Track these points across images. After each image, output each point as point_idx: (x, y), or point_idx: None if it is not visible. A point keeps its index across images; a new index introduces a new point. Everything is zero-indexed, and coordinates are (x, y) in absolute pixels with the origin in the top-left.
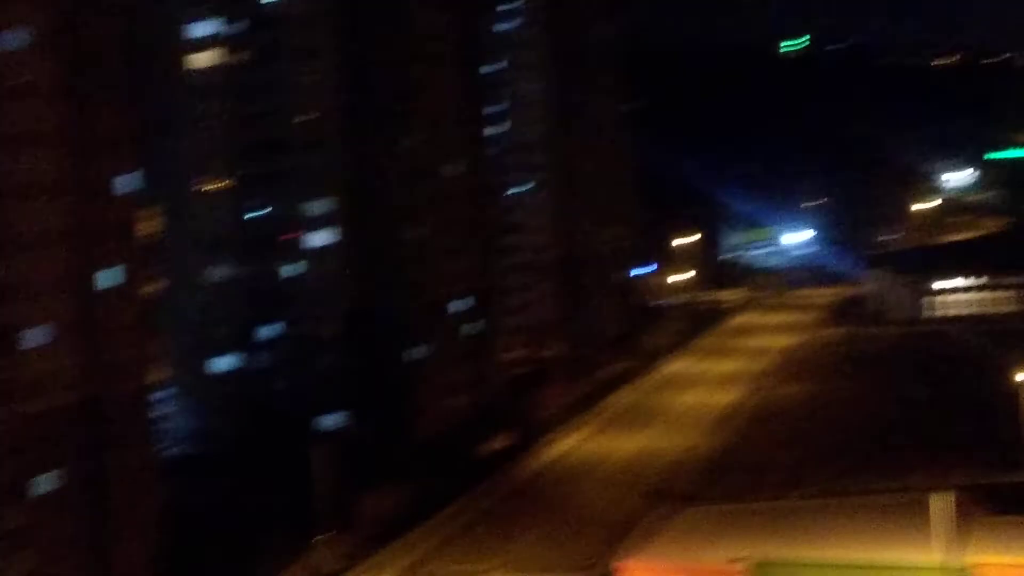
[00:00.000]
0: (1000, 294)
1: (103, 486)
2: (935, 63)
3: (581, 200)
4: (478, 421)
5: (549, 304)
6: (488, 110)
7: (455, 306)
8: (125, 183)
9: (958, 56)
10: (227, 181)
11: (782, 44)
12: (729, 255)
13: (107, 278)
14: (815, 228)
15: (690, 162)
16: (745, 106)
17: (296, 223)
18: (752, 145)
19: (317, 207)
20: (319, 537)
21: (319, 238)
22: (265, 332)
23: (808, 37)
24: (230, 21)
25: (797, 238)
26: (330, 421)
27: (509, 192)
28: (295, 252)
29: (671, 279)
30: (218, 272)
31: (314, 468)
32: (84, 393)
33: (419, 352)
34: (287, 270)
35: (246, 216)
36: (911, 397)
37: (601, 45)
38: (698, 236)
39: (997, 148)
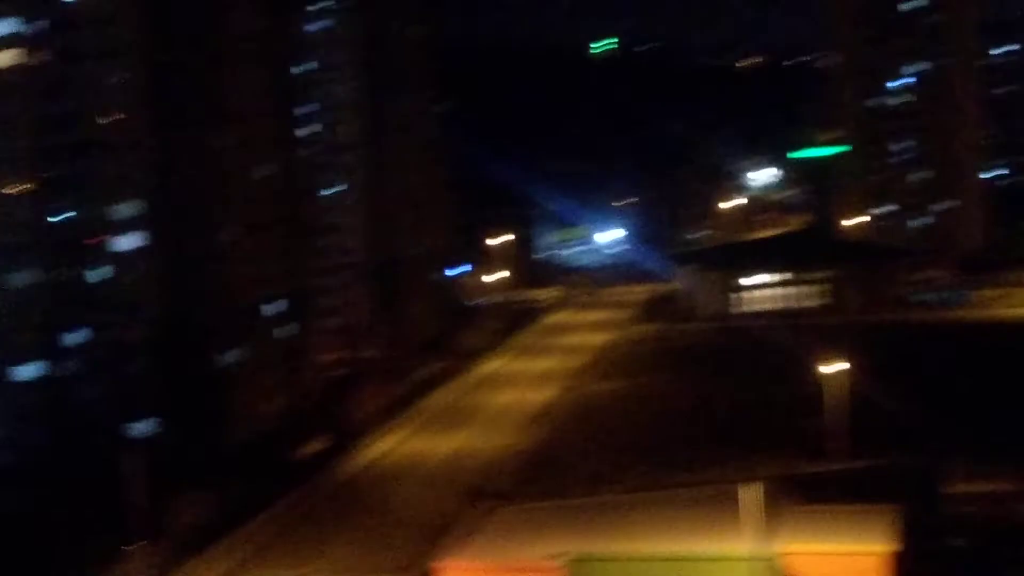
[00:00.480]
0: (803, 289)
1: None
2: (739, 64)
3: (396, 201)
4: (293, 425)
5: (364, 306)
6: (301, 110)
7: (268, 309)
8: None
9: (761, 58)
10: (30, 184)
11: (592, 45)
12: (543, 254)
13: None
14: (627, 226)
15: (504, 162)
16: (556, 106)
17: (103, 226)
18: (564, 145)
19: (125, 210)
20: (129, 546)
21: (127, 241)
22: (72, 338)
23: (616, 39)
24: (32, 20)
25: (609, 236)
26: (140, 428)
27: (323, 193)
28: (102, 256)
29: (486, 279)
30: (22, 277)
31: (123, 476)
32: None
33: (232, 356)
34: (94, 274)
35: (51, 219)
36: (721, 391)
37: (414, 45)
38: (512, 236)
39: (799, 148)
